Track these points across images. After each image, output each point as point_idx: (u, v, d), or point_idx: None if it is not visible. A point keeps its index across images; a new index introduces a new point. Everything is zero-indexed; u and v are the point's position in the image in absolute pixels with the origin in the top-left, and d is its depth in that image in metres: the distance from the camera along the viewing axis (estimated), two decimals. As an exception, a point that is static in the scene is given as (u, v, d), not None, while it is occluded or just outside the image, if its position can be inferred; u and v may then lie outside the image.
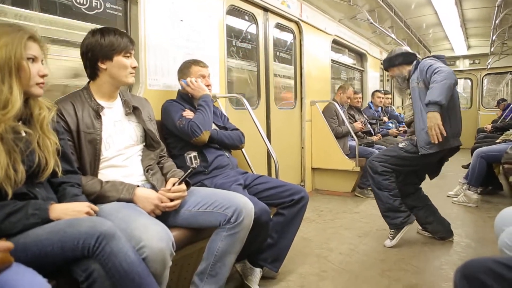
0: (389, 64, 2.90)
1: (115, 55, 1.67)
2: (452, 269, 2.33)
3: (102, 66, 1.68)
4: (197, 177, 2.14)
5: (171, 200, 1.65)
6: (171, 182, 1.70)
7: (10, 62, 1.17)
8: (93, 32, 1.69)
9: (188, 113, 2.19)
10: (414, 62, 2.76)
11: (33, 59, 1.25)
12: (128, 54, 1.71)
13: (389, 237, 2.81)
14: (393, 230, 2.79)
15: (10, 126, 1.18)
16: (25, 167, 1.20)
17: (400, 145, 2.77)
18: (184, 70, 2.36)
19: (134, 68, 1.74)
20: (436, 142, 2.41)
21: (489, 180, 4.24)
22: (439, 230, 2.88)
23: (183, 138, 2.15)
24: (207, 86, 2.34)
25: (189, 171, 1.67)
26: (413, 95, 2.70)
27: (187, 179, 1.72)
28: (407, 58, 2.81)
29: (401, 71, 2.84)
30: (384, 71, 7.92)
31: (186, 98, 2.33)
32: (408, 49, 2.91)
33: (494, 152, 3.94)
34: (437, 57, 2.72)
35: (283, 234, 2.15)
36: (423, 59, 2.74)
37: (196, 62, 2.37)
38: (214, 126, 2.31)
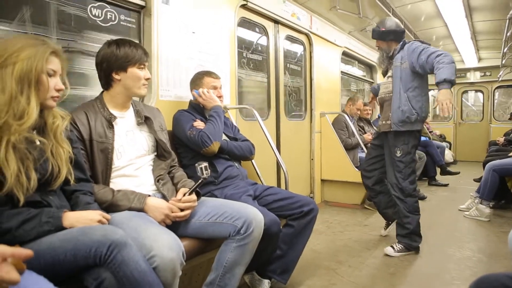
0: (379, 37, 2.95)
1: (129, 66, 1.70)
2: (464, 284, 2.29)
3: (117, 76, 1.71)
4: (207, 188, 2.15)
5: (182, 210, 1.66)
6: (181, 192, 1.71)
7: (30, 74, 1.19)
8: (108, 43, 1.72)
9: (199, 124, 2.21)
10: (401, 43, 2.85)
11: (52, 74, 1.28)
12: (142, 66, 1.74)
13: (394, 247, 2.84)
14: (401, 246, 2.83)
15: (24, 136, 1.20)
16: (38, 175, 1.22)
17: (398, 155, 2.81)
18: (197, 81, 2.39)
19: (147, 79, 1.77)
20: (446, 115, 2.49)
21: (501, 194, 4.16)
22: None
23: (193, 148, 2.17)
24: (219, 97, 2.36)
25: (199, 181, 1.68)
26: (394, 74, 2.79)
27: (197, 189, 1.73)
28: (398, 37, 2.88)
29: (389, 46, 2.92)
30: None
31: (197, 109, 2.36)
32: (399, 23, 2.95)
33: (506, 166, 3.88)
34: (423, 43, 2.79)
35: (292, 245, 2.14)
36: (409, 41, 2.83)
37: (208, 73, 2.40)
38: (224, 137, 2.33)
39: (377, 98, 3.08)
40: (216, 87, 2.38)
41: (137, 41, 2.38)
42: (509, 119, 7.38)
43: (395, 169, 2.85)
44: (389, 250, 2.84)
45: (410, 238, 2.83)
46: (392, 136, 2.84)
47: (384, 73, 3.10)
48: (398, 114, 2.72)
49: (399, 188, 2.83)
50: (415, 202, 2.85)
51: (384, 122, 2.91)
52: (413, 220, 2.83)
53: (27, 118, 1.19)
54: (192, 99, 2.40)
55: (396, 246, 2.85)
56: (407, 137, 2.77)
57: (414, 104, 2.70)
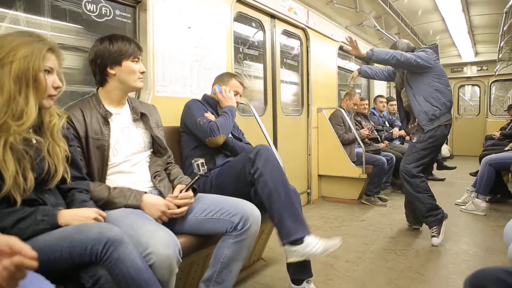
0: None
1: (123, 60, 1.69)
2: (460, 278, 2.30)
3: (111, 71, 1.70)
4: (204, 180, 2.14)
5: (178, 206, 1.65)
6: (178, 188, 1.71)
7: (28, 73, 1.17)
8: (101, 39, 1.71)
9: (210, 115, 2.25)
10: None
11: (49, 71, 1.25)
12: (136, 60, 1.73)
13: (434, 235, 2.95)
14: (435, 228, 2.94)
15: (22, 136, 1.18)
16: (34, 174, 1.21)
17: (414, 140, 3.03)
18: (224, 78, 2.46)
19: (142, 73, 1.76)
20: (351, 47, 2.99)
21: (497, 188, 4.19)
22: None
23: (199, 136, 2.18)
24: (237, 103, 2.41)
25: (196, 178, 1.68)
26: (405, 85, 3.05)
27: (194, 185, 1.72)
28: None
29: None
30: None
31: (210, 102, 2.39)
32: (410, 43, 3.16)
33: (502, 160, 3.90)
34: (430, 47, 3.03)
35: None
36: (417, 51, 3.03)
37: (237, 77, 2.47)
38: (230, 136, 2.35)
39: (403, 106, 3.26)
40: (238, 93, 2.44)
41: (132, 37, 2.37)
42: (506, 110, 7.35)
43: (406, 153, 3.10)
44: (434, 240, 2.92)
45: (432, 215, 2.95)
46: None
47: (401, 88, 3.24)
48: (423, 116, 2.93)
49: (404, 169, 3.01)
50: (421, 181, 2.99)
51: (412, 125, 3.21)
52: (422, 198, 2.96)
53: (26, 119, 1.16)
54: (211, 93, 2.43)
55: (433, 232, 2.95)
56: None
57: (433, 101, 2.90)
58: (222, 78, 2.46)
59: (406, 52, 2.96)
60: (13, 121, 1.14)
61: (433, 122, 2.91)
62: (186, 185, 1.71)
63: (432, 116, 2.90)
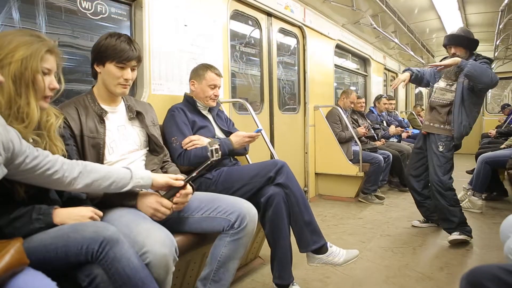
0: (458, 42, 2.89)
1: (106, 62, 1.64)
2: (457, 275, 2.31)
3: (97, 69, 1.68)
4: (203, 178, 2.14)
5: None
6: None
7: (26, 74, 1.16)
8: (105, 34, 1.67)
9: (186, 143, 2.13)
10: (472, 58, 2.83)
11: (47, 72, 1.23)
12: (122, 65, 1.64)
13: (454, 233, 2.91)
14: (458, 233, 2.91)
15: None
16: None
17: (440, 149, 2.95)
18: (199, 71, 2.34)
19: (126, 79, 1.66)
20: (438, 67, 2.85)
21: (493, 186, 4.21)
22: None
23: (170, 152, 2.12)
24: (215, 96, 2.34)
25: (208, 162, 1.58)
26: (457, 88, 2.86)
27: (190, 183, 1.67)
28: (474, 46, 2.90)
29: (463, 54, 2.88)
30: (386, 74, 7.92)
31: (191, 102, 2.33)
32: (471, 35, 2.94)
33: (498, 158, 3.92)
34: (489, 59, 2.88)
35: (274, 235, 2.03)
36: (477, 59, 2.81)
37: (212, 69, 2.34)
38: (219, 132, 2.34)
39: (429, 100, 3.10)
40: (215, 86, 2.32)
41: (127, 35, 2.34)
42: (500, 111, 7.38)
43: (436, 164, 2.96)
44: (453, 235, 2.91)
45: (463, 228, 2.92)
46: (434, 134, 2.99)
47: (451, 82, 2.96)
48: (461, 129, 2.85)
49: (440, 182, 2.92)
50: (454, 195, 2.95)
51: (431, 124, 3.03)
52: (456, 212, 2.92)
53: (30, 120, 1.17)
54: (188, 92, 2.37)
55: (454, 234, 2.92)
56: (449, 136, 2.92)
57: (471, 119, 2.87)
58: (197, 72, 2.34)
59: (475, 43, 2.87)
60: (18, 123, 1.14)
61: (462, 137, 2.89)
62: (196, 169, 1.60)
63: (465, 132, 2.86)
